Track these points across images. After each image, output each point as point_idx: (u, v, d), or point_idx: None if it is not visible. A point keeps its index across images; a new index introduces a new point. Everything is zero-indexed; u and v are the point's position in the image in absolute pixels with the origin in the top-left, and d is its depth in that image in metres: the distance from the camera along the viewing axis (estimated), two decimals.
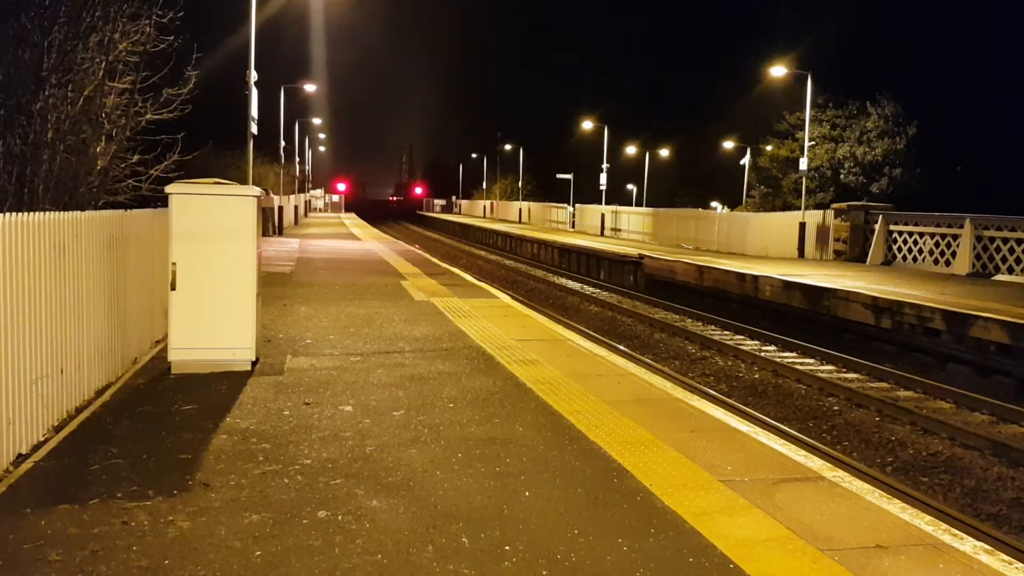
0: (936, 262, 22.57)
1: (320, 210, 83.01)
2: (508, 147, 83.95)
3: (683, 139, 71.87)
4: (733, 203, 54.00)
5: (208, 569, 3.97)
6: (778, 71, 31.79)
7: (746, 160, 51.31)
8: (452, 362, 8.89)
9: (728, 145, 59.35)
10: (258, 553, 4.15)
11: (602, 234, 43.16)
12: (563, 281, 28.27)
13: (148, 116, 10.06)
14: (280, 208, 35.41)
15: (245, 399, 7.09)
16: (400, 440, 6.07)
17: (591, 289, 25.85)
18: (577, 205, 52.21)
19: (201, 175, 8.49)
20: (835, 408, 11.48)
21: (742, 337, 16.81)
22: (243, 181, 16.21)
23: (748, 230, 31.54)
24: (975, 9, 45.31)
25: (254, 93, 17.40)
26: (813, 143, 36.28)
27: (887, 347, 14.99)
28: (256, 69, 17.55)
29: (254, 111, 17.64)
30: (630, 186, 70.47)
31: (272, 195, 35.34)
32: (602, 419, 6.73)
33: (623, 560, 4.20)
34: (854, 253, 25.38)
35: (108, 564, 3.98)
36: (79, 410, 6.57)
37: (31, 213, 5.72)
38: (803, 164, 30.66)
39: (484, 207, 79.99)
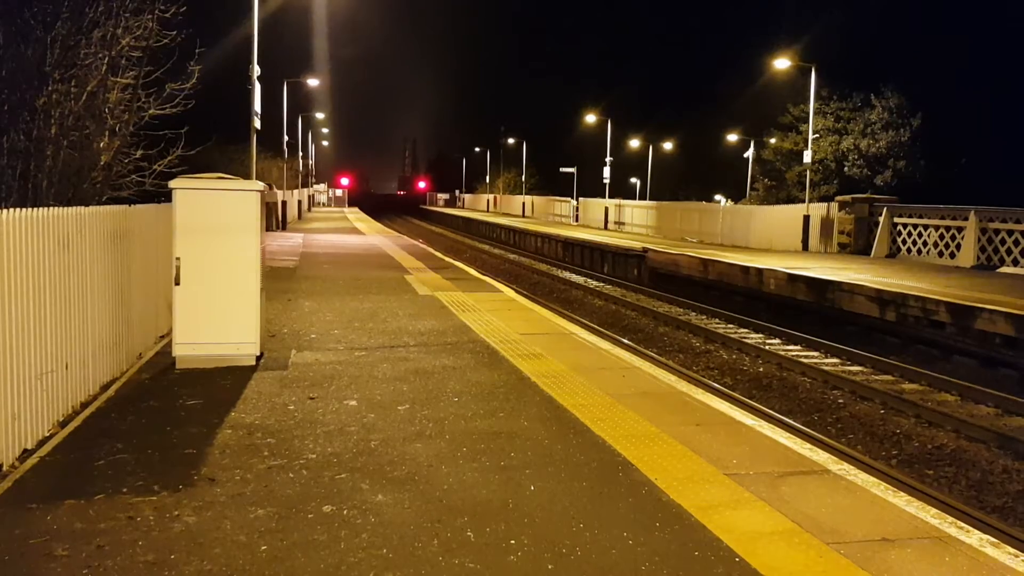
0: (941, 255, 22.51)
1: (323, 205, 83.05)
2: (511, 141, 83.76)
3: (686, 132, 71.66)
4: (737, 196, 53.84)
5: (214, 564, 3.97)
6: (782, 63, 31.65)
7: (750, 153, 51.13)
8: (456, 356, 8.88)
9: (732, 138, 59.04)
10: (264, 547, 4.16)
11: (606, 228, 43.11)
12: (567, 275, 28.25)
13: (151, 111, 10.07)
14: (283, 203, 35.41)
15: (250, 394, 7.10)
16: (405, 434, 6.07)
17: (595, 283, 25.83)
18: (580, 199, 52.12)
19: (204, 170, 8.50)
20: (840, 401, 11.46)
21: (746, 330, 16.79)
22: (246, 176, 16.21)
23: (752, 223, 31.48)
24: (978, 1, 45.11)
25: (257, 87, 17.38)
26: (817, 136, 36.15)
27: (892, 340, 14.96)
28: (259, 64, 17.53)
29: (257, 106, 17.63)
30: (633, 179, 70.27)
31: (275, 190, 35.33)
32: (607, 413, 6.73)
33: (628, 553, 4.20)
34: (858, 246, 25.32)
35: (114, 559, 3.99)
36: (84, 405, 6.58)
37: (35, 208, 5.73)
38: (807, 157, 30.59)
39: (487, 201, 79.94)
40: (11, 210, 5.31)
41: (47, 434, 5.82)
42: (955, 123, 37.12)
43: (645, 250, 26.34)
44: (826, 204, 27.91)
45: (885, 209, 24.62)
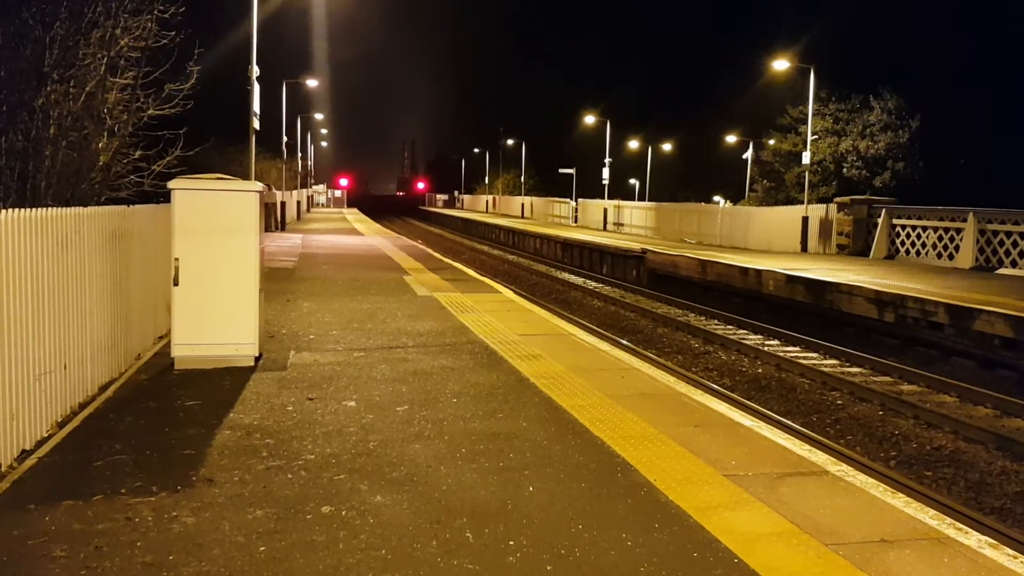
0: (939, 256, 22.52)
1: (322, 205, 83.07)
2: (510, 142, 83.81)
3: (686, 133, 71.71)
4: (736, 197, 53.85)
5: (212, 565, 3.97)
6: (781, 65, 31.68)
7: (749, 154, 51.16)
8: (455, 357, 8.88)
9: (731, 139, 59.11)
10: (262, 548, 4.15)
11: (604, 229, 43.12)
12: (566, 276, 28.25)
13: (150, 112, 10.06)
14: (282, 203, 35.41)
15: (248, 394, 7.09)
16: (404, 435, 6.06)
17: (594, 284, 25.83)
18: (579, 200, 52.15)
19: (203, 171, 8.50)
20: (839, 402, 11.46)
21: (745, 331, 16.79)
22: (245, 176, 16.18)
23: (751, 224, 31.50)
24: (978, 2, 45.15)
25: (256, 88, 17.35)
26: (816, 137, 36.17)
27: (890, 341, 14.96)
28: (258, 64, 17.50)
29: (256, 106, 17.59)
30: (632, 180, 70.33)
31: (274, 190, 35.36)
32: (605, 414, 6.73)
33: (627, 555, 4.20)
34: (857, 247, 25.33)
35: (112, 560, 3.98)
36: (83, 406, 6.57)
37: (33, 209, 5.72)
38: (806, 158, 30.60)
39: (486, 202, 79.94)
40: (10, 211, 5.30)
41: (45, 435, 5.81)
42: (954, 124, 37.13)
43: (644, 251, 26.35)
44: (825, 205, 27.93)
45: (884, 210, 24.63)
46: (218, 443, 5.78)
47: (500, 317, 11.77)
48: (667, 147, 70.91)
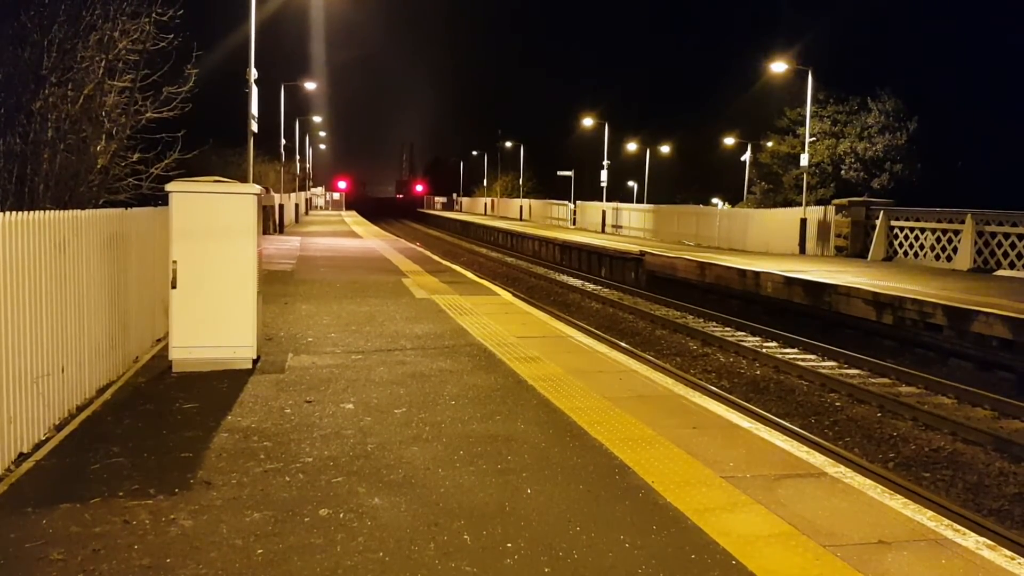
0: (937, 258, 22.54)
1: (321, 208, 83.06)
2: (509, 144, 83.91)
3: (684, 135, 71.81)
4: (734, 199, 53.90)
5: (210, 568, 3.96)
6: (779, 67, 31.72)
7: (747, 156, 51.22)
8: (453, 359, 8.88)
9: (729, 141, 59.20)
10: (260, 551, 4.15)
11: (603, 231, 43.14)
12: (564, 278, 28.26)
13: (148, 114, 10.05)
14: (281, 206, 35.40)
15: (246, 397, 7.09)
16: (401, 438, 6.06)
17: (592, 286, 25.84)
18: (578, 202, 52.19)
19: (202, 173, 8.48)
20: (837, 404, 11.47)
21: (743, 333, 16.80)
22: (244, 179, 16.17)
23: (749, 226, 31.52)
24: (976, 4, 45.20)
25: (254, 91, 17.37)
26: (814, 139, 36.23)
27: (889, 343, 14.98)
28: (256, 67, 17.52)
29: (254, 109, 17.61)
30: (631, 183, 70.40)
31: (272, 193, 35.34)
32: (603, 416, 6.73)
33: (625, 557, 4.19)
34: (855, 249, 25.35)
35: (110, 563, 3.98)
36: (80, 409, 6.56)
37: (31, 212, 5.72)
38: (804, 160, 30.62)
39: (485, 204, 79.96)
40: (7, 213, 5.30)
41: (43, 438, 5.80)
42: (952, 126, 37.19)
43: (642, 253, 26.36)
44: (823, 207, 27.95)
45: (882, 212, 24.66)
46: (216, 446, 5.77)
47: (498, 319, 11.78)
48: (665, 149, 70.99)
